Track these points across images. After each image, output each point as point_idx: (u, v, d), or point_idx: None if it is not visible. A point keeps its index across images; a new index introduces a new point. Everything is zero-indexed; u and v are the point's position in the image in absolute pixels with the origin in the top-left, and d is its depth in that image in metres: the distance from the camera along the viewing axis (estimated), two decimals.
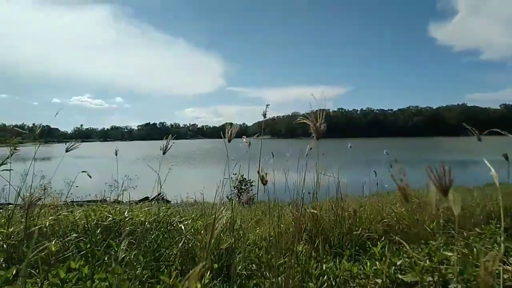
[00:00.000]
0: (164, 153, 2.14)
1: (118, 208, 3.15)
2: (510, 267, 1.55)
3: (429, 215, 3.47)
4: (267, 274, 1.97)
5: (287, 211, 3.77)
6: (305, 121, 1.41)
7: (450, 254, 1.97)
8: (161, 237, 2.67)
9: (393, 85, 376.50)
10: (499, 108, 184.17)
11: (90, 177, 2.80)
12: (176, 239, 2.60)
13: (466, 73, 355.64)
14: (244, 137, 2.55)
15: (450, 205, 0.85)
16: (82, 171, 2.82)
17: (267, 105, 2.24)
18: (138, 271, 1.87)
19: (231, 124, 1.85)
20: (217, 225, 0.91)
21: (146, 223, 2.62)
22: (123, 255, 2.10)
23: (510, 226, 2.21)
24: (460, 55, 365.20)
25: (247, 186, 9.07)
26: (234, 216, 2.53)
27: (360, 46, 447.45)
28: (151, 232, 2.63)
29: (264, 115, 2.02)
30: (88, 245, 2.33)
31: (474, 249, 1.81)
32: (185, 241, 2.47)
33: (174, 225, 2.76)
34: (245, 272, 2.18)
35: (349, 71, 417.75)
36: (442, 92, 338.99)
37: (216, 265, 2.11)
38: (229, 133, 1.70)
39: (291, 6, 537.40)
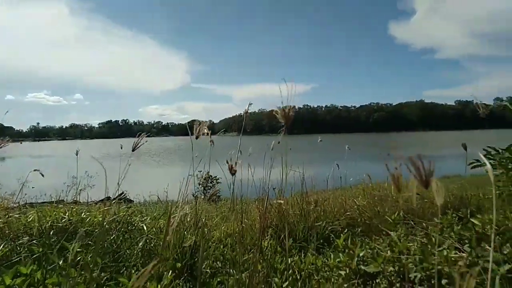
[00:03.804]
0: (133, 150, 2.03)
1: (75, 209, 2.99)
2: (465, 254, 1.61)
3: (389, 207, 3.58)
4: (231, 271, 1.93)
5: (254, 207, 3.75)
6: (275, 110, 1.39)
7: (410, 244, 2.02)
8: (121, 237, 2.56)
9: (356, 82, 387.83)
10: (454, 104, 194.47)
11: (43, 175, 2.64)
12: (138, 239, 2.50)
13: (423, 71, 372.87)
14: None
15: (434, 195, 0.83)
16: (34, 170, 2.65)
17: (248, 108, 2.21)
18: (94, 274, 1.77)
19: (199, 121, 1.76)
20: (172, 221, 0.85)
21: (105, 223, 2.50)
22: (79, 258, 1.98)
23: (465, 215, 2.31)
24: (418, 53, 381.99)
25: (213, 183, 8.98)
26: (199, 213, 2.47)
27: (323, 44, 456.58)
28: (111, 233, 2.51)
29: (246, 112, 2.02)
30: (41, 249, 2.18)
31: (433, 239, 1.87)
32: (147, 240, 2.38)
33: (135, 224, 2.65)
34: (209, 270, 2.13)
35: (313, 68, 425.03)
36: (401, 89, 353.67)
37: (179, 264, 2.04)
38: (197, 130, 1.64)
39: (257, 5, 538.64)
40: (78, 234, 2.10)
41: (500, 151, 4.82)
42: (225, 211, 5.26)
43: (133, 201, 9.28)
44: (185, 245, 2.01)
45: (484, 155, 5.29)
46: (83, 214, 2.71)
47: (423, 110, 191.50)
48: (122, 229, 2.61)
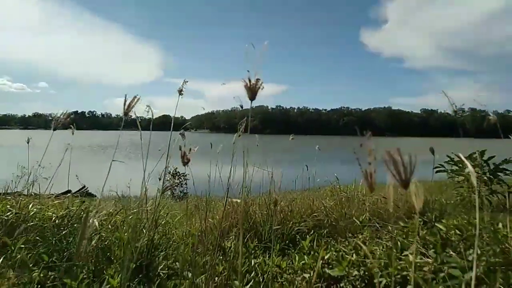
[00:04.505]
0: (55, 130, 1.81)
1: (24, 201, 2.75)
2: (430, 260, 1.57)
3: (356, 208, 3.58)
4: (187, 273, 1.81)
5: (220, 206, 3.64)
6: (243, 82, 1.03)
7: (375, 248, 1.99)
8: (74, 234, 2.37)
9: (327, 86, 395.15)
10: (420, 112, 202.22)
11: None
12: (91, 235, 2.32)
13: (391, 79, 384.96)
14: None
15: (411, 198, 0.72)
16: None
17: (185, 81, 1.97)
18: (35, 274, 1.60)
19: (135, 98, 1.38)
20: (91, 220, 0.74)
21: (53, 218, 2.30)
22: (21, 255, 1.80)
23: (430, 220, 2.31)
24: (387, 62, 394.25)
25: (180, 180, 8.76)
26: (158, 210, 2.32)
27: (299, 46, 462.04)
28: (62, 229, 2.31)
29: (180, 91, 1.76)
30: None
31: (398, 243, 1.84)
32: (101, 238, 2.21)
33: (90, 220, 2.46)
34: (166, 271, 1.99)
35: (288, 70, 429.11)
36: (370, 95, 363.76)
37: (133, 264, 1.89)
38: (127, 106, 1.35)
39: (234, 3, 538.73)
40: (18, 229, 1.91)
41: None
42: (190, 208, 5.11)
43: (95, 195, 8.90)
44: (137, 245, 1.86)
45: (447, 162, 5.46)
46: (31, 207, 2.48)
47: (391, 116, 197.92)
48: (75, 225, 2.42)
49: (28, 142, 3.67)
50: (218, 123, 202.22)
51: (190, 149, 1.07)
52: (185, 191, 8.70)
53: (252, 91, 0.95)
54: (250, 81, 0.94)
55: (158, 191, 3.63)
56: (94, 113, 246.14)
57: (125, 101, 1.29)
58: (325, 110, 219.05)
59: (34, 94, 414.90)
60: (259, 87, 0.96)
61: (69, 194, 3.72)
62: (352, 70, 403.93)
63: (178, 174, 8.71)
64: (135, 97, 1.30)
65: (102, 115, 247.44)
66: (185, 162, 1.12)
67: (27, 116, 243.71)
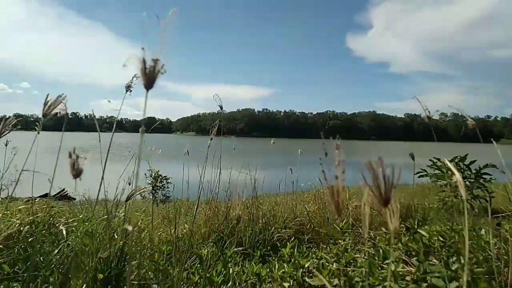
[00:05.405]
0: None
1: None
2: (413, 269, 1.51)
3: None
4: (156, 286, 1.70)
5: (201, 210, 3.53)
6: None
7: (357, 255, 1.92)
8: (41, 241, 2.23)
9: (315, 90, 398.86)
10: (403, 116, 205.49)
11: None
12: (60, 243, 2.18)
13: (376, 83, 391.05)
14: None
15: (386, 217, 0.60)
16: None
17: (136, 77, 1.76)
18: None
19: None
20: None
21: (18, 224, 2.16)
22: None
23: (412, 226, 2.27)
24: (372, 67, 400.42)
25: (162, 183, 8.55)
26: (128, 216, 2.20)
27: (287, 51, 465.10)
28: (27, 236, 2.17)
29: (128, 87, 1.57)
30: None
31: (380, 250, 1.78)
32: (71, 246, 2.07)
33: (59, 227, 2.33)
34: (137, 282, 1.88)
35: (275, 74, 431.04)
36: (355, 99, 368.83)
37: (101, 275, 1.77)
38: (47, 107, 1.10)
39: (222, 6, 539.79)
40: None
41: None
42: (172, 212, 4.97)
43: (75, 199, 8.65)
44: (101, 255, 1.74)
45: (429, 166, 5.48)
46: None
47: (375, 120, 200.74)
48: (43, 232, 2.29)
49: (6, 145, 3.54)
50: (204, 125, 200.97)
51: (77, 157, 0.77)
52: (167, 194, 8.53)
53: (149, 77, 0.64)
54: (145, 62, 0.63)
55: (142, 196, 3.50)
56: (78, 114, 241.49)
57: (47, 100, 1.09)
58: (311, 113, 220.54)
59: (16, 94, 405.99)
60: (158, 71, 0.65)
61: (37, 198, 3.54)
62: (338, 75, 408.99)
63: (160, 176, 8.50)
64: (59, 96, 1.12)
65: (85, 116, 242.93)
66: (75, 175, 0.77)
67: (8, 117, 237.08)
